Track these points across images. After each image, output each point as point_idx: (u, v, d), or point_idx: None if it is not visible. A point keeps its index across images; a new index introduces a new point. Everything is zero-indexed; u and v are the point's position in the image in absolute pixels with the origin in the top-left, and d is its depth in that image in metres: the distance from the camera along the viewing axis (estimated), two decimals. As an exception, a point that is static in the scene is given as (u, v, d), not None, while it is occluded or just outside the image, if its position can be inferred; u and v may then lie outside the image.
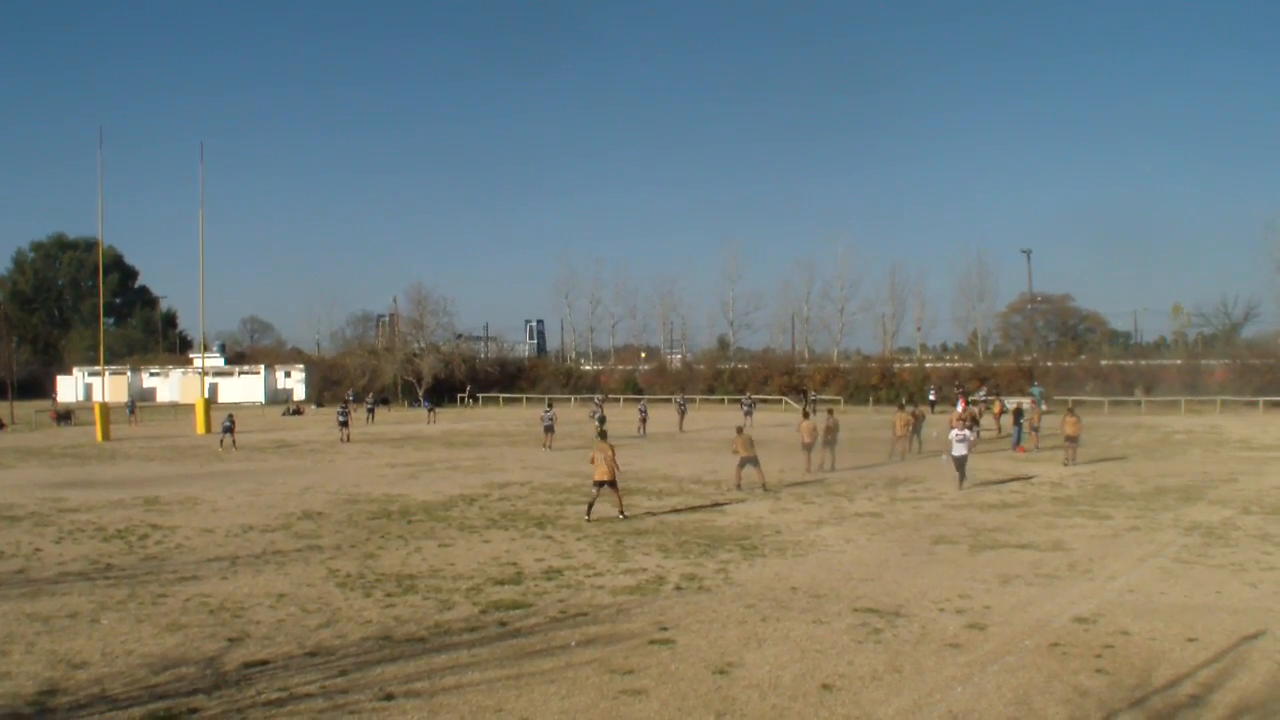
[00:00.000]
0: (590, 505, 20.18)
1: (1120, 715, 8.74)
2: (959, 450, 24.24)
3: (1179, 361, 70.90)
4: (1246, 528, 18.58)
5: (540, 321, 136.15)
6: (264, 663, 10.39)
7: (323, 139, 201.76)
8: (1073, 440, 29.47)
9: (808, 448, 28.14)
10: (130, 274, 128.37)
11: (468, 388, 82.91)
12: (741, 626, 11.73)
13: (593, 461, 20.21)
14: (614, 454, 20.29)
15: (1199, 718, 8.70)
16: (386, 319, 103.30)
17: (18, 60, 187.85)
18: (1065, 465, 28.59)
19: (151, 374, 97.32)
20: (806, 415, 30.38)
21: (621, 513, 19.90)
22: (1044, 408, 44.64)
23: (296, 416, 67.99)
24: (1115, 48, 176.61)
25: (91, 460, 35.80)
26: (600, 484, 19.96)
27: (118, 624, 12.09)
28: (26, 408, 68.15)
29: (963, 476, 24.21)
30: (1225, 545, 16.80)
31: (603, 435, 21.24)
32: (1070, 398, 49.32)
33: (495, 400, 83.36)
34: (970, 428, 29.87)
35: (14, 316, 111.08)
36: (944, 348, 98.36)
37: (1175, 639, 11.07)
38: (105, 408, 48.42)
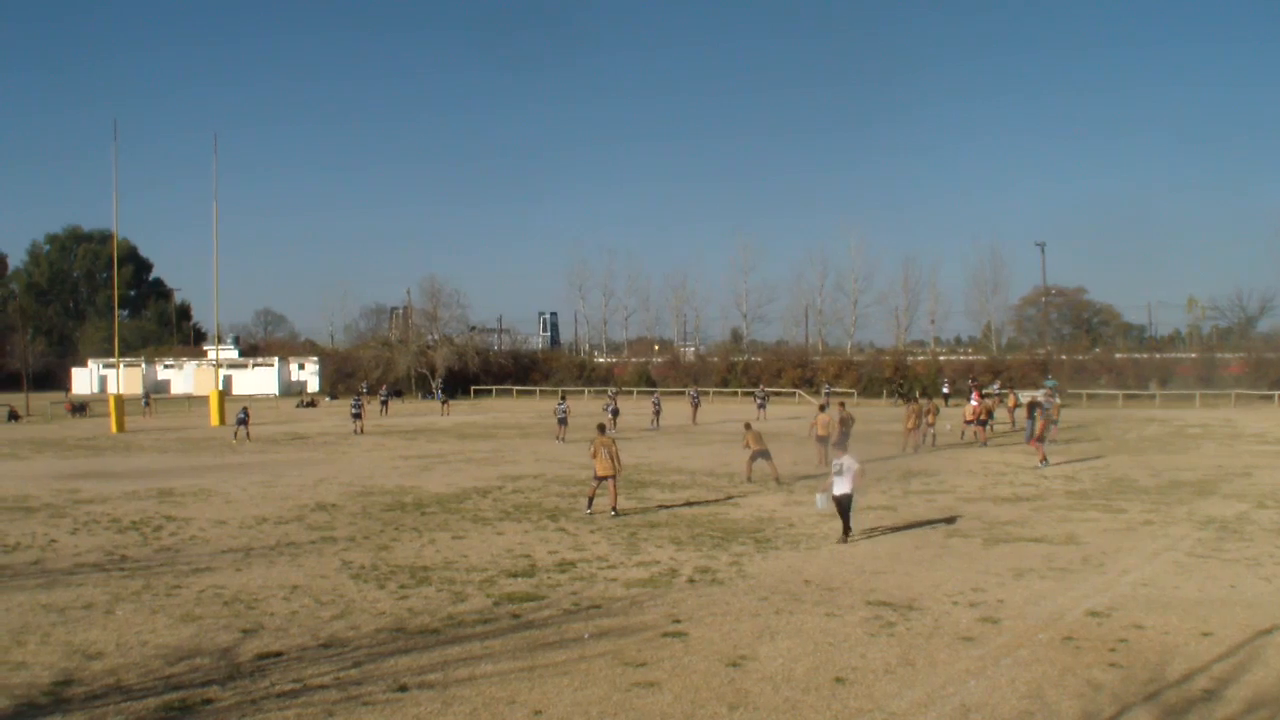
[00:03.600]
0: (591, 499, 20.19)
1: (1134, 709, 8.72)
2: (841, 487, 16.81)
3: (1193, 355, 70.63)
4: (1261, 522, 18.50)
5: (554, 314, 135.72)
6: (278, 654, 10.43)
7: (335, 132, 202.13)
8: (1040, 441, 28.93)
9: (822, 440, 28.12)
10: (145, 266, 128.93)
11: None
12: (754, 619, 11.73)
13: (594, 455, 20.16)
14: (616, 448, 20.25)
15: (1213, 712, 8.67)
16: (400, 311, 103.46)
17: (32, 53, 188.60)
18: (1039, 465, 27.79)
19: (166, 366, 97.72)
20: (823, 408, 30.35)
21: (614, 508, 19.86)
22: (1058, 400, 44.49)
23: (310, 408, 68.20)
24: (1128, 41, 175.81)
25: (106, 452, 35.96)
26: (602, 478, 19.92)
27: (132, 615, 12.15)
28: (42, 399, 68.38)
29: (846, 525, 16.97)
30: (1240, 539, 16.73)
31: (602, 429, 21.15)
32: (1033, 394, 49.00)
33: (509, 392, 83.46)
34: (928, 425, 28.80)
35: (29, 309, 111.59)
36: (957, 341, 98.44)
37: (1189, 633, 11.04)
38: (120, 399, 48.66)
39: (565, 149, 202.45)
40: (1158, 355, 72.39)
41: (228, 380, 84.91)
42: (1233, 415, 51.43)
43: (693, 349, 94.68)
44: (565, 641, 10.84)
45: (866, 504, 20.96)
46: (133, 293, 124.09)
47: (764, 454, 24.66)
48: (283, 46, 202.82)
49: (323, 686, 9.35)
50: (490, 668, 9.90)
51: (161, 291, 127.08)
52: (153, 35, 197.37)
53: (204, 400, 62.98)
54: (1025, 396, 46.36)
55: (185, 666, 10.05)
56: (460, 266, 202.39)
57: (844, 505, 16.82)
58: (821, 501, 17.57)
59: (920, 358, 79.50)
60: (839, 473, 16.82)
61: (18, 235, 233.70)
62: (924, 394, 54.33)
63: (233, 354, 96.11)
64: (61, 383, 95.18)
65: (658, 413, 47.69)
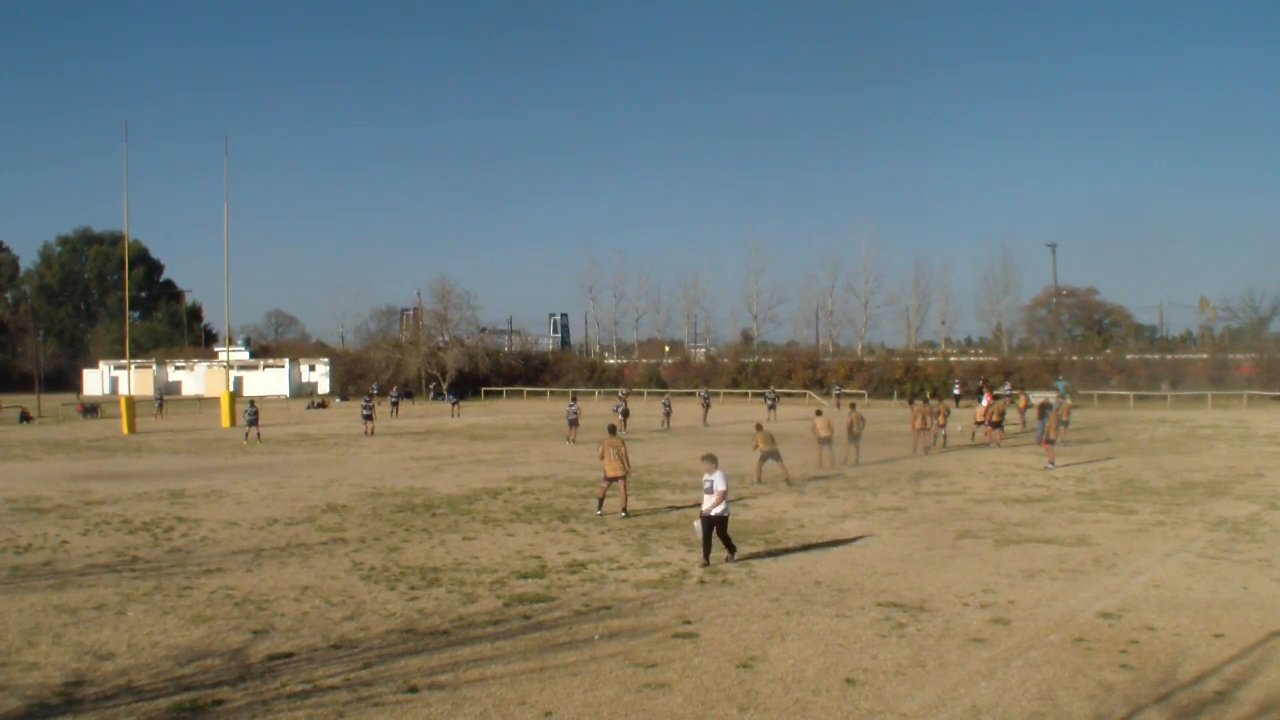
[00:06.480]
0: (601, 500, 20.19)
1: (1145, 711, 8.70)
2: (715, 506, 14.81)
3: (1205, 356, 70.43)
4: (1273, 523, 18.44)
5: (564, 315, 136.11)
6: (289, 655, 10.45)
7: (347, 134, 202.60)
8: (1050, 442, 28.90)
9: (825, 442, 28.08)
10: (156, 268, 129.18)
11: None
12: (765, 620, 11.72)
13: (602, 457, 20.17)
14: (625, 449, 20.26)
15: (1225, 714, 8.64)
16: (411, 312, 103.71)
17: (43, 55, 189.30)
18: (1048, 467, 27.78)
19: (177, 367, 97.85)
20: (819, 412, 30.23)
21: (625, 509, 19.85)
22: (1068, 401, 44.41)
23: (320, 410, 68.28)
24: (1139, 42, 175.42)
25: (117, 453, 36.07)
26: (612, 479, 19.94)
27: (144, 616, 12.18)
28: (53, 401, 68.63)
29: (726, 547, 15.08)
30: (1252, 540, 16.68)
31: (612, 430, 21.16)
32: (1045, 396, 48.92)
33: (519, 394, 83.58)
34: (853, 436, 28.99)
35: (41, 310, 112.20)
36: (968, 341, 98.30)
37: (1201, 634, 11.01)
38: (131, 401, 48.80)
39: (576, 150, 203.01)
40: (1169, 356, 72.19)
41: (238, 382, 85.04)
42: (1245, 416, 51.26)
43: (703, 350, 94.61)
44: (576, 642, 10.84)
45: (878, 505, 20.96)
46: (144, 294, 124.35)
47: (774, 455, 24.67)
48: (294, 49, 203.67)
49: (333, 687, 9.36)
50: (501, 669, 9.91)
51: (172, 293, 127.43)
52: (163, 37, 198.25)
53: (215, 401, 63.20)
54: (1037, 398, 46.30)
55: (196, 667, 10.07)
56: (471, 268, 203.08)
57: (708, 525, 14.85)
58: (699, 529, 15.07)
59: (931, 359, 79.38)
60: (708, 490, 14.88)
61: (29, 237, 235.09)
62: (935, 395, 54.26)
63: (243, 355, 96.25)
64: (73, 384, 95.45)
65: (668, 414, 47.83)
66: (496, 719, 8.63)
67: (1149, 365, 69.81)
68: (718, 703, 8.94)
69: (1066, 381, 61.38)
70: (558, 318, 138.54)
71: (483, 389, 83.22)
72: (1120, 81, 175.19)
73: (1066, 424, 35.05)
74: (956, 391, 63.69)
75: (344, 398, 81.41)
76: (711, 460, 15.14)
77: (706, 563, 14.83)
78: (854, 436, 29.63)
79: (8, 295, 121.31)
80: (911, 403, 38.30)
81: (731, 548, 15.16)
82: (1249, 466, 27.85)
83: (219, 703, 9.00)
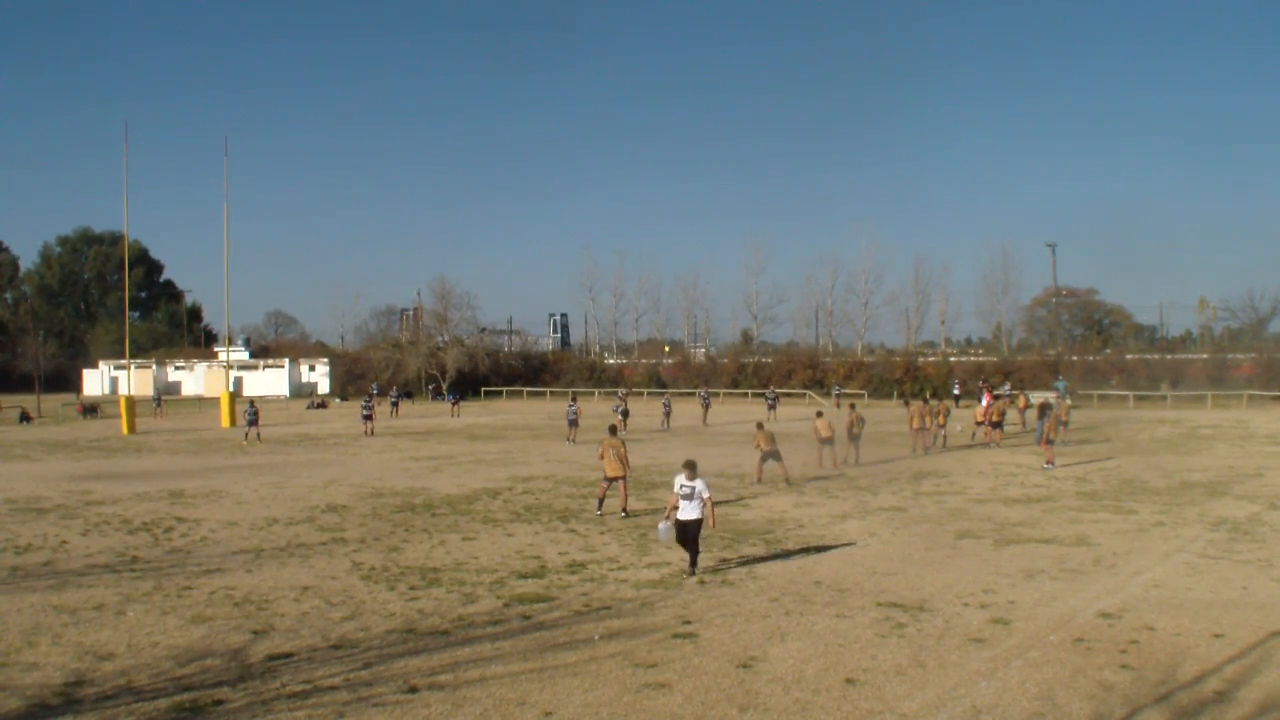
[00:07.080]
0: (601, 500, 20.19)
1: (1145, 711, 8.70)
2: (689, 511, 14.24)
3: (1205, 356, 70.39)
4: (1273, 523, 18.43)
5: (564, 315, 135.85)
6: (289, 655, 10.45)
7: (346, 134, 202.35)
8: (1049, 443, 28.86)
9: (826, 442, 28.06)
10: (156, 268, 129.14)
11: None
12: (765, 620, 11.72)
13: (602, 457, 20.17)
14: (625, 450, 20.25)
15: (1225, 714, 8.64)
16: (410, 312, 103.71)
17: (43, 55, 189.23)
18: (1046, 467, 27.79)
19: (177, 367, 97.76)
20: (820, 414, 30.20)
21: (625, 509, 19.83)
22: (1067, 401, 44.40)
23: (320, 410, 68.27)
24: (1139, 42, 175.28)
25: (117, 453, 36.06)
26: (612, 479, 19.93)
27: (144, 616, 12.18)
28: (53, 401, 68.62)
29: (694, 557, 14.39)
30: (1252, 541, 16.68)
31: (612, 430, 21.16)
32: (1045, 396, 48.90)
33: (519, 394, 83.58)
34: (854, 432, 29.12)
35: (41, 310, 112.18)
36: (968, 342, 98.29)
37: (1201, 635, 11.01)
38: (130, 401, 48.79)
39: (576, 150, 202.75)
40: (1169, 356, 72.17)
41: (238, 382, 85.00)
42: (1244, 416, 51.25)
43: (703, 350, 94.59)
44: (576, 643, 10.84)
45: (878, 505, 20.96)
46: (144, 294, 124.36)
47: (774, 455, 24.66)
48: (294, 49, 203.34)
49: (333, 688, 9.37)
50: (500, 669, 9.91)
51: (172, 293, 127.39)
52: (163, 37, 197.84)
53: (215, 402, 63.20)
54: (1036, 398, 46.30)
55: (196, 667, 10.07)
56: (471, 268, 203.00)
57: (691, 533, 14.27)
58: (664, 531, 14.52)
59: (931, 359, 79.37)
60: (687, 496, 14.23)
61: (29, 237, 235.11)
62: (934, 395, 54.26)
63: (243, 355, 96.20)
64: (73, 384, 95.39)
65: (667, 414, 47.84)
66: (496, 719, 8.64)
67: (1149, 365, 69.78)
68: (718, 703, 8.94)
69: (1066, 381, 61.33)
70: (558, 318, 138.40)
71: (483, 389, 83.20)
72: (1120, 81, 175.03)
73: (1066, 424, 35.03)
74: (956, 391, 63.68)
75: (344, 398, 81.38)
76: (691, 467, 14.48)
77: (693, 570, 14.32)
78: (854, 437, 29.64)
79: (8, 295, 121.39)
80: (908, 403, 38.40)
81: (694, 559, 14.47)
82: (1249, 466, 27.84)
83: (219, 703, 9.01)
